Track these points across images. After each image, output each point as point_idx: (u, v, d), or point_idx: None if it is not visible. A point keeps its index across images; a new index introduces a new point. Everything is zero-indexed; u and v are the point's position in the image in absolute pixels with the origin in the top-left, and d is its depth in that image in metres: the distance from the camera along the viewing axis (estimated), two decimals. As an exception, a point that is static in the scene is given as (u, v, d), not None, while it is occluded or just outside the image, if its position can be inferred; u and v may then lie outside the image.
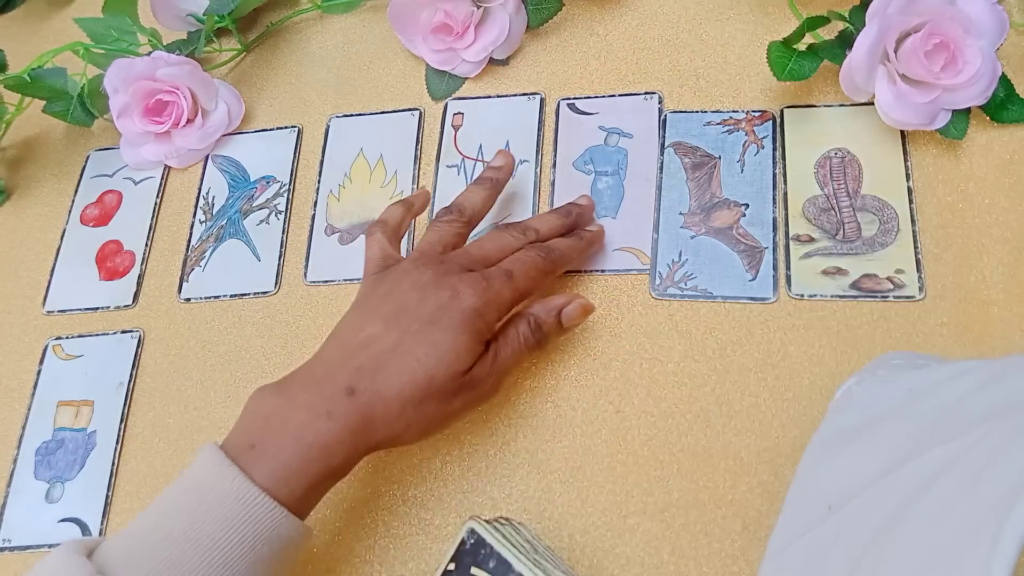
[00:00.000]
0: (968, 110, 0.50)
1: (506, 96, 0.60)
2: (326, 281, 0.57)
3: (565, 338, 0.51)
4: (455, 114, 0.60)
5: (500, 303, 0.46)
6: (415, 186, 0.58)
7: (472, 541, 0.40)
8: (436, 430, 0.46)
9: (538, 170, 0.57)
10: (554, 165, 0.57)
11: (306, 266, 0.58)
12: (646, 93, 0.57)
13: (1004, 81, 0.50)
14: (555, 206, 0.54)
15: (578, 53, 0.60)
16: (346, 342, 0.45)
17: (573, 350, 0.51)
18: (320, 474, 0.41)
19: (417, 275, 0.46)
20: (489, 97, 0.60)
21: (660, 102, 0.57)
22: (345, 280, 0.56)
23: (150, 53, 0.62)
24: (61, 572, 0.37)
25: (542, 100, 0.59)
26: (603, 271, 0.52)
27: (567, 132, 0.58)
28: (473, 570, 0.40)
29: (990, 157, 0.50)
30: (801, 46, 0.52)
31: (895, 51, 0.49)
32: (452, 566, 0.40)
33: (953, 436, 0.28)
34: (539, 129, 0.58)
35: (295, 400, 0.42)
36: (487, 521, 0.41)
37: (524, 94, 0.60)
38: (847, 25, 0.53)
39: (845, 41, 0.52)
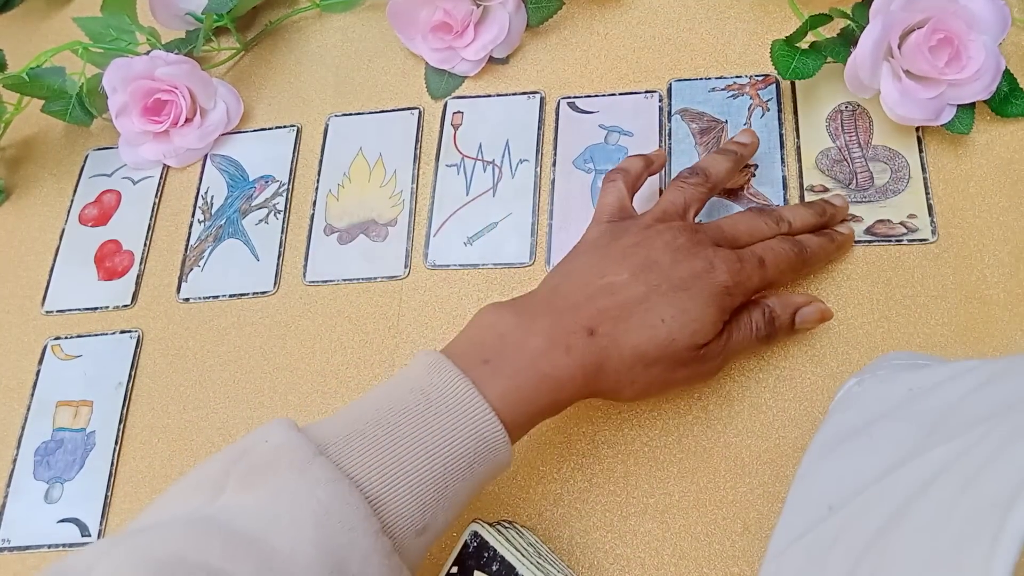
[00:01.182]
0: (973, 105, 0.50)
1: (506, 95, 0.60)
2: (325, 281, 0.57)
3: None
4: (455, 113, 0.60)
5: (749, 287, 0.45)
6: (414, 186, 0.58)
7: (475, 544, 0.40)
8: (652, 395, 0.45)
9: (538, 169, 0.57)
10: (554, 164, 0.56)
11: (305, 266, 0.57)
12: (647, 92, 0.57)
13: (1007, 76, 0.50)
14: (552, 205, 0.54)
15: (578, 52, 0.60)
16: (588, 281, 0.44)
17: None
18: (546, 406, 0.41)
19: (671, 236, 0.45)
20: (489, 96, 0.60)
21: (660, 101, 0.57)
22: (344, 280, 0.56)
23: (149, 52, 0.62)
24: (283, 446, 0.36)
25: (542, 99, 0.59)
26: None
27: (567, 131, 0.57)
28: (476, 573, 0.39)
29: (990, 157, 0.50)
30: (803, 44, 0.52)
31: (899, 47, 0.49)
32: (455, 569, 0.40)
33: (953, 436, 0.28)
34: (539, 128, 0.58)
35: (534, 326, 0.41)
36: (490, 524, 0.41)
37: (524, 93, 0.59)
38: (849, 23, 0.52)
39: (847, 39, 0.52)
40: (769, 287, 0.47)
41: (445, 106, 0.61)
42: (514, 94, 0.60)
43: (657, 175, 0.53)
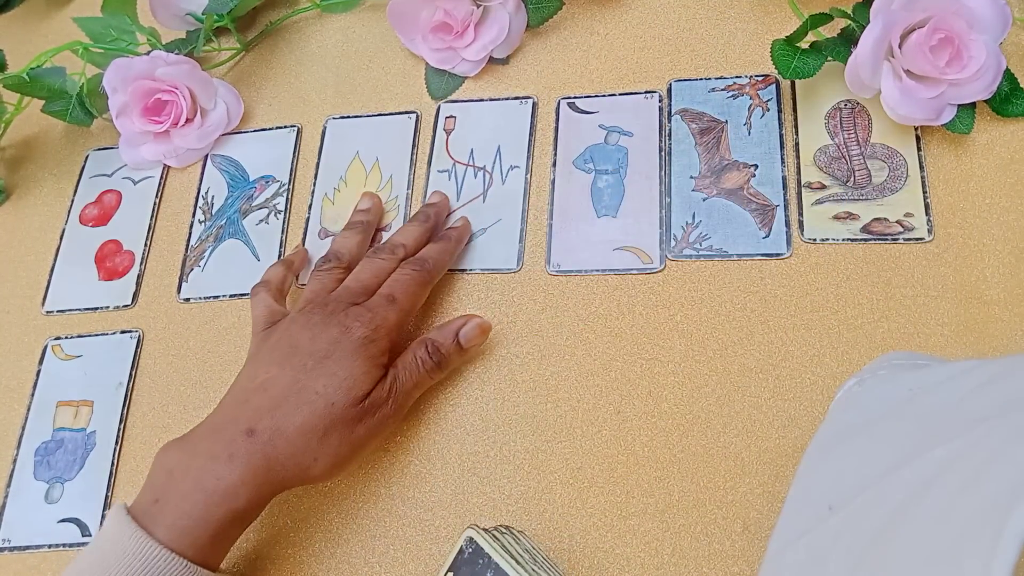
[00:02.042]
0: (973, 105, 0.50)
1: (498, 100, 0.60)
2: None
3: (565, 338, 0.51)
4: (447, 117, 0.60)
5: (389, 327, 0.48)
6: (410, 191, 0.58)
7: (470, 550, 0.40)
8: (346, 462, 0.46)
9: (528, 176, 0.57)
10: (554, 164, 0.56)
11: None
12: (647, 92, 0.57)
13: (1008, 75, 0.50)
14: (552, 205, 0.55)
15: (578, 52, 0.60)
16: (243, 389, 0.46)
17: (573, 350, 0.51)
18: (225, 519, 0.42)
19: (306, 319, 0.48)
20: (481, 100, 0.60)
21: (660, 101, 0.57)
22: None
23: (149, 52, 0.62)
24: None
25: (534, 104, 0.59)
26: (603, 271, 0.52)
27: (567, 131, 0.57)
28: None
29: (991, 157, 0.50)
30: (804, 44, 0.52)
31: (900, 47, 0.49)
32: (450, 575, 0.40)
33: (953, 436, 0.28)
34: (531, 133, 0.58)
35: (196, 450, 0.44)
36: (486, 530, 0.41)
37: (516, 98, 0.59)
38: (850, 22, 0.52)
39: (848, 38, 0.52)
40: (412, 312, 0.50)
41: (438, 111, 0.61)
42: (507, 99, 0.60)
43: (657, 186, 0.54)
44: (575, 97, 0.58)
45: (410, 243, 0.52)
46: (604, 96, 0.58)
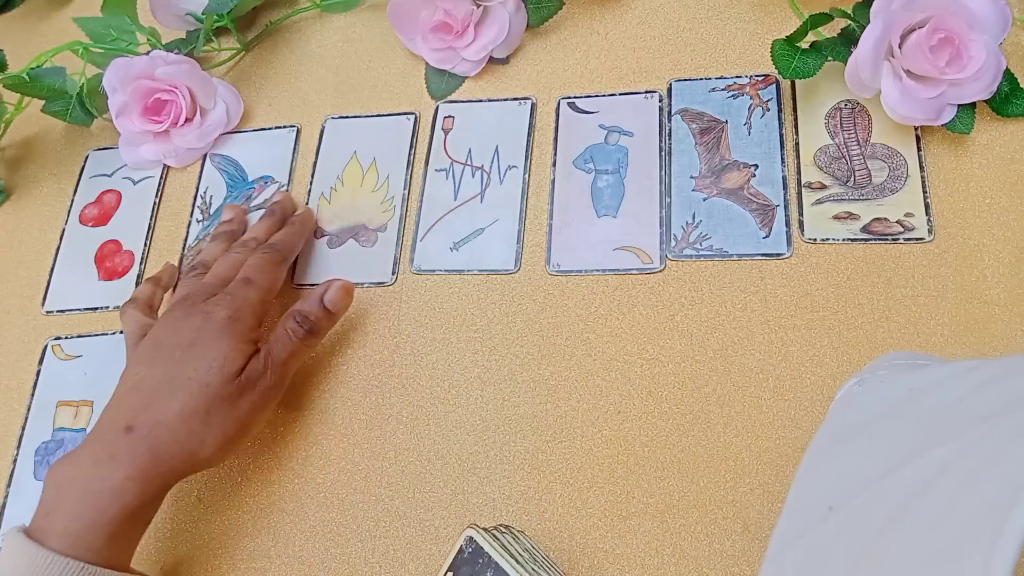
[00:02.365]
0: (973, 105, 0.50)
1: (497, 100, 0.60)
2: (312, 285, 0.57)
3: (565, 338, 0.51)
4: (446, 117, 0.60)
5: (251, 306, 0.49)
6: (406, 191, 0.58)
7: (470, 550, 0.40)
8: (235, 441, 0.46)
9: (527, 176, 0.57)
10: (554, 164, 0.56)
11: (293, 269, 0.57)
12: (647, 92, 0.57)
13: (1008, 75, 0.50)
14: (552, 205, 0.55)
15: (578, 52, 0.60)
16: (117, 396, 0.47)
17: (573, 350, 0.51)
18: (118, 518, 0.42)
19: (167, 318, 0.49)
20: (480, 101, 0.60)
21: (660, 101, 0.57)
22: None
23: (149, 52, 0.62)
24: None
25: (533, 105, 0.59)
26: (604, 271, 0.52)
27: (567, 131, 0.57)
28: None
29: (991, 157, 0.50)
30: (804, 44, 0.52)
31: (900, 47, 0.49)
32: (450, 575, 0.40)
33: (953, 436, 0.28)
34: (529, 134, 0.58)
35: (79, 459, 0.44)
36: (485, 529, 0.41)
37: (515, 99, 0.59)
38: (850, 22, 0.52)
39: (848, 38, 0.52)
40: (272, 291, 0.51)
41: (436, 110, 0.61)
42: (505, 100, 0.60)
43: (657, 186, 0.54)
44: (575, 97, 0.58)
45: (261, 235, 0.54)
46: (604, 96, 0.58)
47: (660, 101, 0.57)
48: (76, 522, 0.41)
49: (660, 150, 0.55)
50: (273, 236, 0.54)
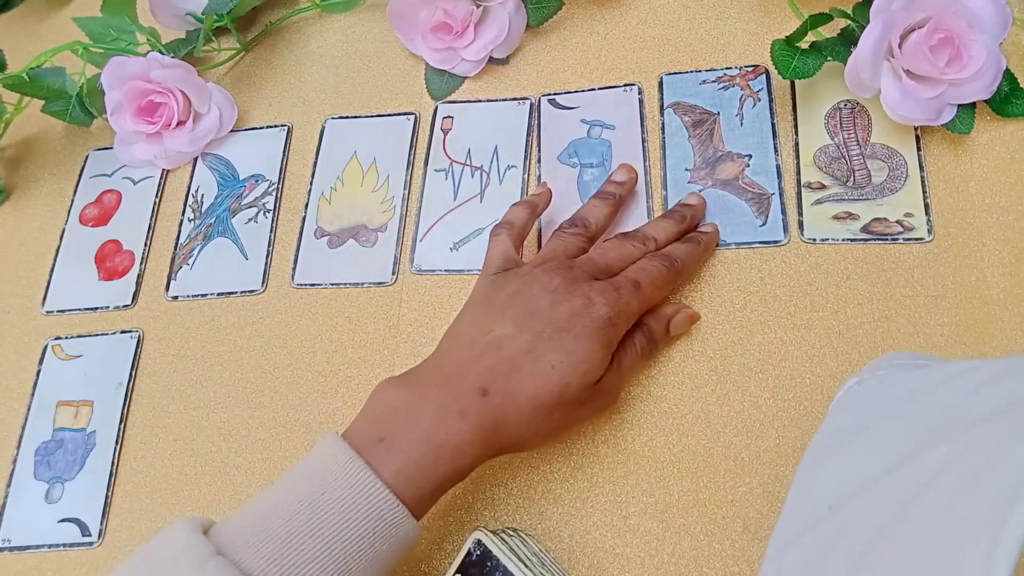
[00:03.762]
0: (973, 105, 0.50)
1: (496, 100, 0.60)
2: (313, 284, 0.57)
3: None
4: (445, 117, 0.60)
5: (630, 313, 0.45)
6: (406, 191, 0.58)
7: (478, 553, 0.40)
8: (559, 437, 0.46)
9: (526, 175, 0.57)
10: (539, 160, 0.57)
11: (294, 269, 0.57)
12: (625, 85, 0.58)
13: (1008, 75, 0.50)
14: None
15: (578, 52, 0.60)
16: (475, 340, 0.44)
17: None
18: (446, 475, 0.41)
19: (547, 279, 0.45)
20: (479, 101, 0.60)
21: (640, 93, 0.57)
22: (332, 284, 0.56)
23: (148, 53, 0.62)
24: (182, 549, 0.36)
25: (532, 105, 0.59)
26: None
27: (549, 127, 0.58)
28: None
29: (991, 157, 0.50)
30: (804, 44, 0.52)
31: (899, 47, 0.49)
32: None
33: (953, 436, 0.28)
34: (528, 134, 0.58)
35: (426, 396, 0.42)
36: (494, 532, 0.41)
37: (514, 99, 0.60)
38: (849, 22, 0.52)
39: (848, 38, 0.52)
40: (651, 306, 0.47)
41: (436, 111, 0.61)
42: (504, 100, 0.60)
43: (643, 173, 0.54)
44: (555, 93, 0.59)
45: (661, 238, 0.50)
46: (584, 91, 0.58)
47: (640, 93, 0.57)
48: (412, 465, 0.40)
49: (643, 141, 0.55)
50: (674, 247, 0.49)
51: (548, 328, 0.43)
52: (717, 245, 0.51)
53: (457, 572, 0.40)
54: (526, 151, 0.57)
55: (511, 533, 0.43)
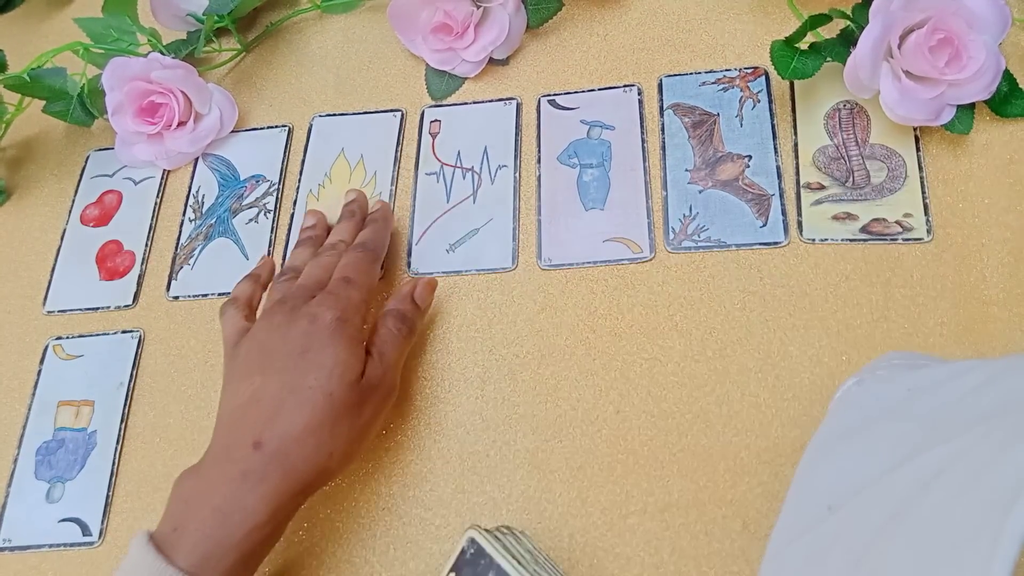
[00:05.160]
0: (973, 105, 0.50)
1: (482, 102, 0.60)
2: None
3: (564, 337, 0.51)
4: (432, 122, 0.60)
5: (354, 305, 0.48)
6: (394, 187, 0.58)
7: (472, 551, 0.40)
8: (358, 448, 0.46)
9: (517, 174, 0.57)
10: (539, 161, 0.57)
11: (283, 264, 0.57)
12: (625, 86, 0.58)
13: (1007, 76, 0.51)
14: (540, 201, 0.55)
15: (578, 53, 0.60)
16: (235, 407, 0.45)
17: (573, 349, 0.51)
18: (248, 539, 0.41)
19: (270, 322, 0.47)
20: (465, 104, 0.60)
21: (640, 94, 0.57)
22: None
23: (148, 53, 0.62)
24: None
25: (518, 105, 0.59)
26: (595, 263, 0.52)
27: (549, 128, 0.58)
28: None
29: (990, 157, 0.50)
30: (803, 45, 0.52)
31: (899, 47, 0.49)
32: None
33: (953, 436, 0.28)
34: (516, 133, 0.58)
35: (209, 475, 0.43)
36: (487, 530, 0.41)
37: (500, 99, 0.60)
38: (849, 23, 0.53)
39: (847, 39, 0.52)
40: (370, 290, 0.50)
41: (422, 115, 0.61)
42: (490, 101, 0.60)
43: (642, 177, 0.54)
44: (555, 94, 0.59)
45: (347, 237, 0.53)
46: (584, 92, 0.58)
47: (639, 95, 0.57)
48: (205, 541, 0.41)
49: (642, 141, 0.56)
50: (363, 235, 0.53)
51: (290, 359, 0.45)
52: (392, 215, 0.56)
53: (451, 571, 0.40)
54: (516, 150, 0.58)
55: (505, 531, 0.43)
